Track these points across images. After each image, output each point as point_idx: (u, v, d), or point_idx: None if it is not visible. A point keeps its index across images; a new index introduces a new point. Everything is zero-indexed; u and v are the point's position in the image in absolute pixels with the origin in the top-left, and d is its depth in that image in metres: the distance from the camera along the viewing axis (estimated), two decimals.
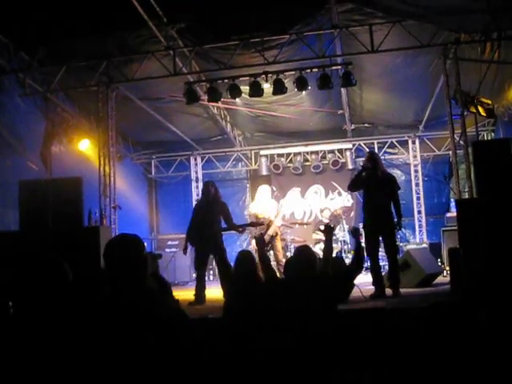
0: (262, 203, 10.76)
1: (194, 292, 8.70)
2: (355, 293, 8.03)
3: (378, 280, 8.33)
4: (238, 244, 15.32)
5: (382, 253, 11.51)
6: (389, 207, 8.51)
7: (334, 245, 12.84)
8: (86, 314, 3.15)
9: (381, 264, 9.01)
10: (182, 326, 3.22)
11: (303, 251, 5.08)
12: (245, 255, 5.48)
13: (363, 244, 8.15)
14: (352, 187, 9.46)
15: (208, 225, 8.79)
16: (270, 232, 10.33)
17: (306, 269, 4.74)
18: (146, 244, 3.44)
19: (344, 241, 12.91)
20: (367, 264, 9.51)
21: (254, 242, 10.07)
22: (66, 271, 3.39)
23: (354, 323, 6.00)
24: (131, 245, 3.24)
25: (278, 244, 10.60)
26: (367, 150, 15.49)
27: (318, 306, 4.43)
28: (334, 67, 10.27)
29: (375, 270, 8.48)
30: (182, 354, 3.01)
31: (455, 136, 10.14)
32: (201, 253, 8.99)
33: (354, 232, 6.47)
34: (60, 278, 3.35)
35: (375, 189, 8.54)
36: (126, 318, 3.00)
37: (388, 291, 8.29)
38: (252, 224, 9.55)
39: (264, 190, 10.97)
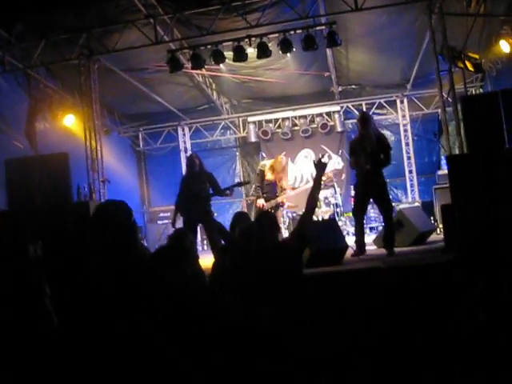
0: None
1: None
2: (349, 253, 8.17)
3: (356, 240, 8.41)
4: (230, 212, 15.26)
5: (375, 214, 11.57)
6: (377, 170, 8.43)
7: (327, 208, 12.85)
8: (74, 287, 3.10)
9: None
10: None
11: (263, 218, 4.94)
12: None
13: None
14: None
15: (196, 194, 8.72)
16: (279, 199, 10.23)
17: (266, 238, 4.60)
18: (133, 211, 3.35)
19: (336, 204, 12.87)
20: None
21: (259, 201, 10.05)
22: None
23: (350, 284, 6.01)
24: (119, 210, 3.19)
25: (279, 213, 10.58)
26: (356, 111, 15.42)
27: (282, 276, 4.31)
28: (318, 28, 10.10)
29: (356, 232, 8.58)
30: (174, 320, 2.97)
31: (443, 93, 10.05)
32: (188, 221, 8.91)
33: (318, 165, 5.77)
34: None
35: (363, 150, 8.44)
36: (118, 286, 2.95)
37: (383, 251, 8.33)
38: (239, 184, 9.43)
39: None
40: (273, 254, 4.40)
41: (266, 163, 10.58)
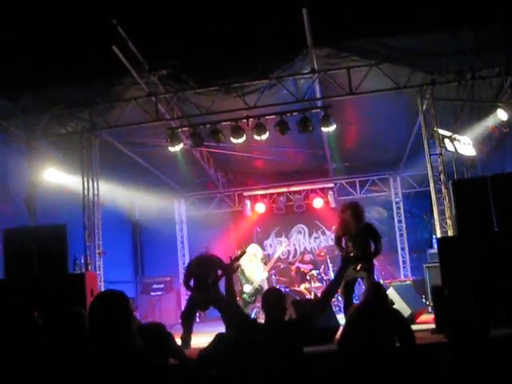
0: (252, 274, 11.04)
1: (180, 335, 8.72)
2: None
3: None
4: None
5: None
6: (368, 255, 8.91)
7: (320, 284, 12.89)
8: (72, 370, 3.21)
9: None
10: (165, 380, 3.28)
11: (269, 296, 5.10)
12: None
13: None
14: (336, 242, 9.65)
15: (211, 287, 8.92)
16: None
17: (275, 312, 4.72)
18: (130, 301, 3.47)
19: (328, 279, 12.93)
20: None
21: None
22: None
23: (341, 363, 6.03)
24: (116, 303, 3.31)
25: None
26: (349, 188, 15.70)
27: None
28: (313, 110, 10.45)
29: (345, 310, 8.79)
30: None
31: (434, 174, 10.29)
32: (198, 307, 9.24)
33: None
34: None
35: (356, 241, 8.93)
36: (111, 374, 3.06)
37: None
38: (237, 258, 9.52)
39: (248, 257, 11.11)
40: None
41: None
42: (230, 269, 9.05)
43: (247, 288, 10.88)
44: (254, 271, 11.20)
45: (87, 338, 3.90)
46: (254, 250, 11.27)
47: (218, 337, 4.50)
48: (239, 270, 11.11)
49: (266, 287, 10.82)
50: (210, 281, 8.90)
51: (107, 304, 3.27)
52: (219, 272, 9.02)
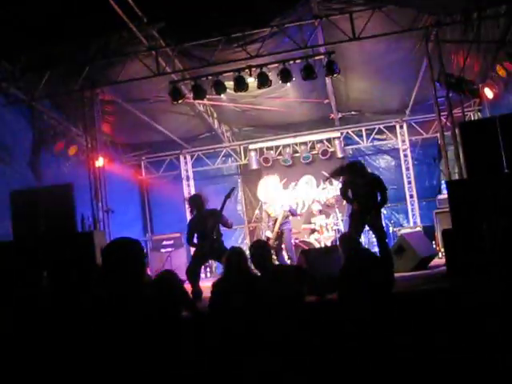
0: (270, 197, 10.88)
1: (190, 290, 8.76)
2: None
3: None
4: (232, 239, 15.31)
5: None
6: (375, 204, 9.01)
7: (329, 234, 12.91)
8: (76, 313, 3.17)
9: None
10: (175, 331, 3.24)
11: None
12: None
13: None
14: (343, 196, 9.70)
15: (213, 238, 8.93)
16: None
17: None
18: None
19: (338, 229, 12.94)
20: None
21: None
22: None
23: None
24: (133, 249, 3.24)
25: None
26: (356, 137, 15.57)
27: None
28: (316, 57, 10.28)
29: None
30: (173, 356, 3.03)
31: (442, 118, 10.17)
32: (205, 257, 9.33)
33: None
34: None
35: (361, 194, 9.03)
36: (123, 322, 3.01)
37: None
38: (227, 197, 9.45)
39: (269, 182, 11.02)
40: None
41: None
42: (221, 214, 9.14)
43: (269, 234, 10.83)
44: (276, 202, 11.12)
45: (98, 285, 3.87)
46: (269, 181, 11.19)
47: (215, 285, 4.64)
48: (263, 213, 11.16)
49: (286, 233, 10.77)
50: (210, 232, 8.92)
51: (123, 249, 3.21)
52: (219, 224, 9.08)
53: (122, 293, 3.09)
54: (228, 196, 9.13)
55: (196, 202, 9.35)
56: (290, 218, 11.01)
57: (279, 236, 10.62)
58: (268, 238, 10.57)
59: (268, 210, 11.03)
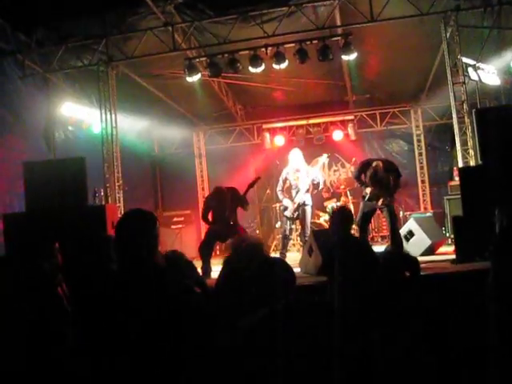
0: (298, 166, 10.55)
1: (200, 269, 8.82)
2: None
3: None
4: (243, 218, 15.29)
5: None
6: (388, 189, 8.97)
7: None
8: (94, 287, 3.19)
9: None
10: (189, 304, 3.25)
11: None
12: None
13: None
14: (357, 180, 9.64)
15: (229, 217, 8.97)
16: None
17: None
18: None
19: None
20: None
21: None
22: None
23: None
24: (147, 219, 3.25)
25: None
26: (369, 120, 15.50)
27: None
28: (334, 38, 10.21)
29: None
30: (188, 330, 3.04)
31: (457, 104, 10.10)
32: (218, 236, 9.23)
33: None
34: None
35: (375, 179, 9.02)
36: (137, 294, 3.03)
37: None
38: (251, 185, 9.41)
39: (298, 153, 10.71)
40: None
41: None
42: (244, 198, 9.13)
43: (287, 203, 10.39)
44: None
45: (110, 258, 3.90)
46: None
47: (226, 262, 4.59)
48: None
49: (308, 209, 10.33)
50: (228, 212, 8.93)
51: (138, 220, 3.21)
52: (236, 203, 9.06)
53: (136, 265, 3.10)
54: (251, 185, 9.07)
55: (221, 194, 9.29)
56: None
57: (298, 208, 10.25)
58: (286, 208, 10.31)
59: (290, 177, 10.52)
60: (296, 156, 10.42)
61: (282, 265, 3.58)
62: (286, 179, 10.38)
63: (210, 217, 9.27)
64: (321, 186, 10.82)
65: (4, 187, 9.68)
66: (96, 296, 3.21)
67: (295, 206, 10.10)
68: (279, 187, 10.43)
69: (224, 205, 8.98)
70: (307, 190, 10.26)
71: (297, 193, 10.20)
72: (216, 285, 4.54)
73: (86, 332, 3.30)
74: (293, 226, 10.68)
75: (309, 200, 10.25)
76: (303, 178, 10.28)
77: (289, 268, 3.56)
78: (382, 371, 4.09)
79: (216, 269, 8.82)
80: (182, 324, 3.04)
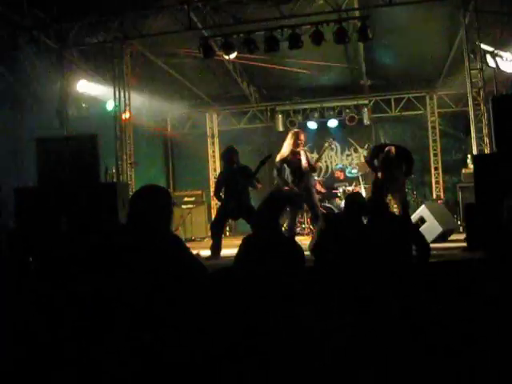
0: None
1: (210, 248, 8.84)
2: None
3: None
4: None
5: None
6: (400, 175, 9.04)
7: None
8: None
9: None
10: (201, 275, 3.26)
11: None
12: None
13: None
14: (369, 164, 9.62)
15: (241, 195, 8.92)
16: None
17: None
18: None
19: None
20: None
21: None
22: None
23: None
24: (162, 195, 3.28)
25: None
26: (384, 106, 15.38)
27: None
28: (350, 21, 10.10)
29: None
30: (198, 302, 3.05)
31: (473, 91, 10.00)
32: (229, 215, 9.23)
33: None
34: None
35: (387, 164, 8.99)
36: (149, 266, 3.03)
37: None
38: (262, 163, 9.32)
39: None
40: None
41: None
42: (256, 176, 9.08)
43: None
44: None
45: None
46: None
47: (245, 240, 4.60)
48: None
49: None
50: (240, 187, 8.88)
51: (153, 194, 3.24)
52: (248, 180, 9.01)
53: (149, 239, 3.12)
54: (263, 162, 9.03)
55: (229, 155, 9.31)
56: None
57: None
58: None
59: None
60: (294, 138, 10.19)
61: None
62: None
63: (222, 194, 9.25)
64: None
65: (16, 162, 9.73)
66: (104, 266, 3.21)
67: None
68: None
69: (236, 181, 8.95)
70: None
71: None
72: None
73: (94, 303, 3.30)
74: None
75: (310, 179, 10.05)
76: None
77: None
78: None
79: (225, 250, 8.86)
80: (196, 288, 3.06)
